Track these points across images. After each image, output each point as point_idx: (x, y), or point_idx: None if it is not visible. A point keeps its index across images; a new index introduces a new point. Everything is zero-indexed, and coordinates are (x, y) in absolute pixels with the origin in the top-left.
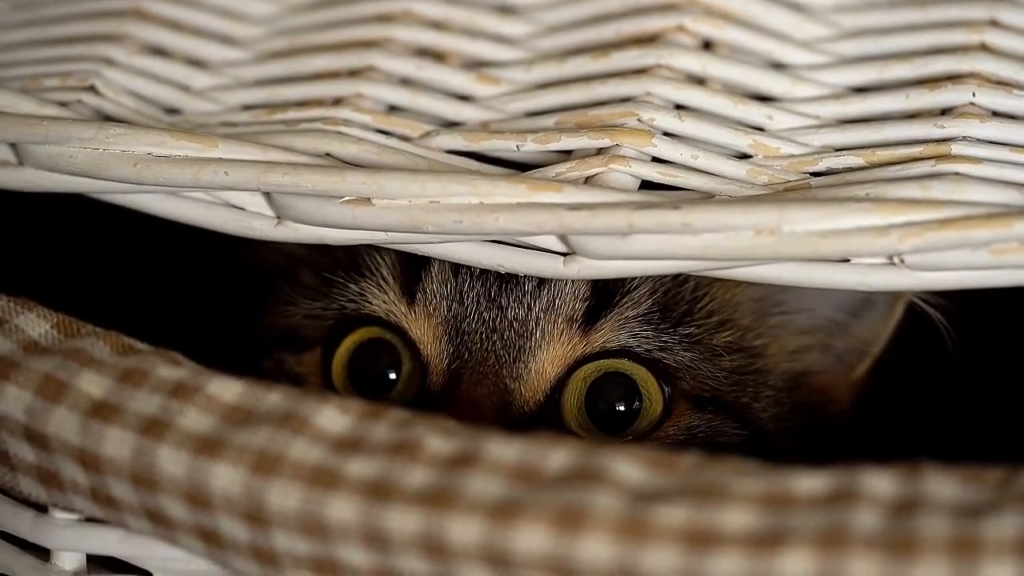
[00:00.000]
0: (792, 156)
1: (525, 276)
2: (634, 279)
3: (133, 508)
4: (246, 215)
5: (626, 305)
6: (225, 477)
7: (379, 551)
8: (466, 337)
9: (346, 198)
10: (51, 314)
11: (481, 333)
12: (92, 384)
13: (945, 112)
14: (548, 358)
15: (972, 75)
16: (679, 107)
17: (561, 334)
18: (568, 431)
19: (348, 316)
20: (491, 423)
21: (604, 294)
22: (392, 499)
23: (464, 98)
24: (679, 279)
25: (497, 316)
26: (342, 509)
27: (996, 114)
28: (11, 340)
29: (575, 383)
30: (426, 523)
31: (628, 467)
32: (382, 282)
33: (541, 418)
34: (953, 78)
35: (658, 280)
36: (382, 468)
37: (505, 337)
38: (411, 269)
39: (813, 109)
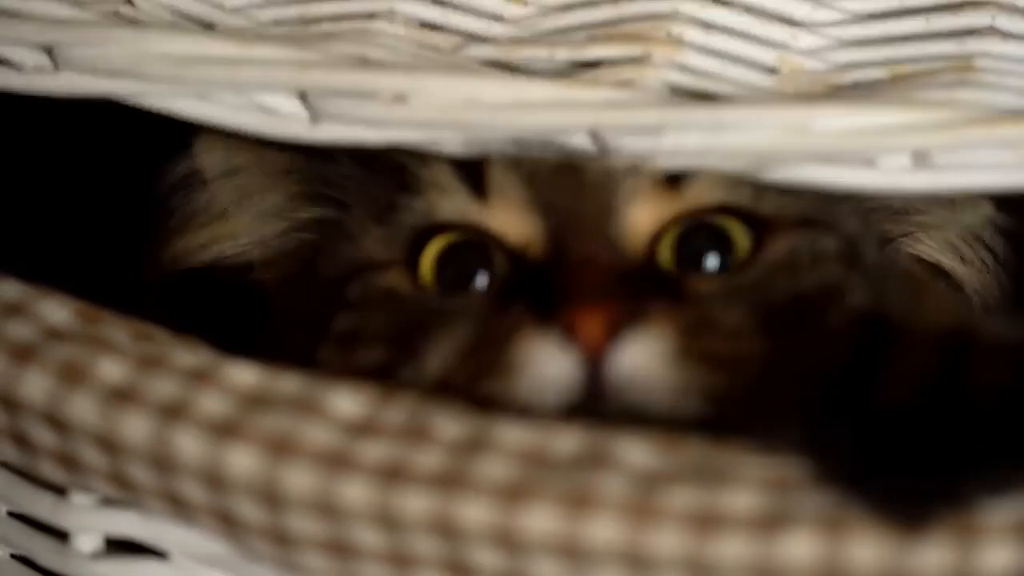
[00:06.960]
0: (818, 71)
1: None
2: None
3: (151, 490)
4: (282, 117)
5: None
6: (241, 460)
7: (392, 532)
8: (555, 210)
9: (383, 97)
10: (71, 301)
11: (570, 201)
12: (111, 369)
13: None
14: (641, 213)
15: (990, 2)
16: (706, 24)
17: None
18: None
19: (421, 231)
20: (603, 283)
21: None
22: (404, 481)
23: (494, 18)
24: None
25: (580, 182)
26: (355, 491)
27: (1016, 37)
28: (32, 326)
29: (668, 237)
30: (438, 505)
31: (635, 450)
32: (445, 190)
33: (644, 271)
34: (973, 4)
35: None
36: (395, 451)
37: (598, 197)
38: (471, 171)
39: (835, 32)
